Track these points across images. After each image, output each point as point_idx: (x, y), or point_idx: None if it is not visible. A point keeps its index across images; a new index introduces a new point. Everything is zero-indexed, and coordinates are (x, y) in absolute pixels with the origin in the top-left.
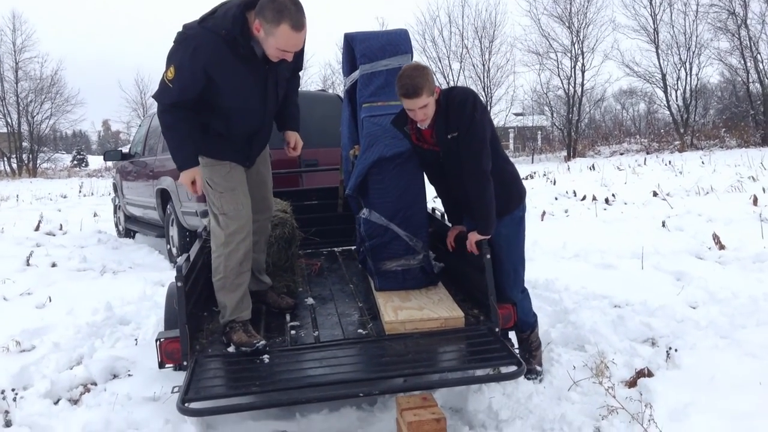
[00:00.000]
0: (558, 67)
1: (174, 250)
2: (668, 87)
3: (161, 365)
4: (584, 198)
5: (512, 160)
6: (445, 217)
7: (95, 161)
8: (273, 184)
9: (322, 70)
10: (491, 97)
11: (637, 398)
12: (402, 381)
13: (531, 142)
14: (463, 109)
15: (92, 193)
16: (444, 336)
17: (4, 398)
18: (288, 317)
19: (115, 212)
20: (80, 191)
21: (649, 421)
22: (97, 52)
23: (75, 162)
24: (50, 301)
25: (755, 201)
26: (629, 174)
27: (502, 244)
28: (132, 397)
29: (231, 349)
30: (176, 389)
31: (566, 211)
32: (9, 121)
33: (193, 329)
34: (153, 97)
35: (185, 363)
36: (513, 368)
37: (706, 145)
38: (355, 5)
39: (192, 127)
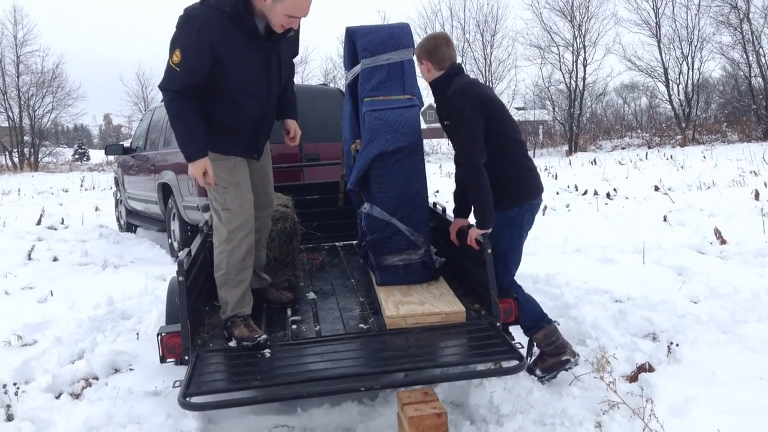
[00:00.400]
0: (560, 61)
1: (175, 245)
2: (670, 81)
3: (163, 360)
4: (585, 192)
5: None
6: (446, 211)
7: (97, 155)
8: (274, 179)
9: (323, 64)
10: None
11: (638, 393)
12: (403, 375)
13: (532, 136)
14: (452, 100)
15: (94, 188)
16: (445, 330)
17: (5, 392)
18: (289, 312)
19: (116, 206)
20: (82, 185)
21: (650, 416)
22: (98, 45)
23: (76, 156)
24: (52, 295)
25: (757, 195)
26: (631, 168)
27: (492, 237)
28: (133, 392)
29: (232, 343)
30: (177, 384)
31: (567, 206)
32: (11, 115)
33: (194, 324)
34: (160, 86)
35: (186, 357)
36: (514, 363)
37: (707, 139)
38: None
39: (199, 118)
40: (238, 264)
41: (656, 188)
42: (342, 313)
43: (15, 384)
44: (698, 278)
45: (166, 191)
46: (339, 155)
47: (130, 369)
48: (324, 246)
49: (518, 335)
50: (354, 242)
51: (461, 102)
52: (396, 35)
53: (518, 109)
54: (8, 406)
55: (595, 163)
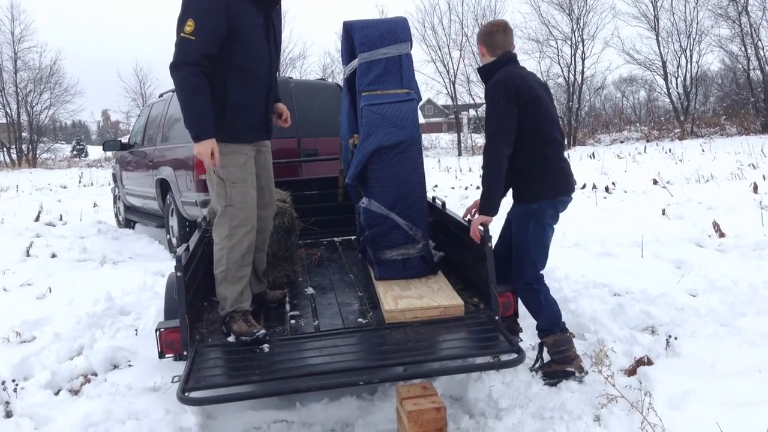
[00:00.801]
0: (558, 55)
1: (174, 240)
2: (668, 74)
3: (161, 355)
4: (584, 186)
5: None
6: (445, 205)
7: (95, 151)
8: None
9: (321, 58)
10: None
11: (636, 386)
12: (402, 369)
13: None
14: (490, 88)
15: (92, 184)
16: (444, 324)
17: (4, 389)
18: (288, 307)
19: (114, 202)
20: (80, 182)
21: (648, 409)
22: (95, 41)
23: (74, 152)
24: (50, 291)
25: (755, 188)
26: (629, 162)
27: (514, 231)
28: (132, 388)
29: (231, 338)
30: (176, 379)
31: None
32: (8, 111)
33: (192, 319)
34: (172, 63)
35: (185, 353)
36: (513, 356)
37: (706, 132)
38: None
39: (210, 98)
40: (239, 260)
41: (655, 182)
42: (341, 308)
43: (14, 380)
44: (697, 271)
45: (164, 187)
46: (337, 150)
47: (129, 365)
48: (323, 241)
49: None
50: (353, 237)
51: (497, 92)
52: (393, 29)
53: None
54: (7, 402)
55: (594, 157)
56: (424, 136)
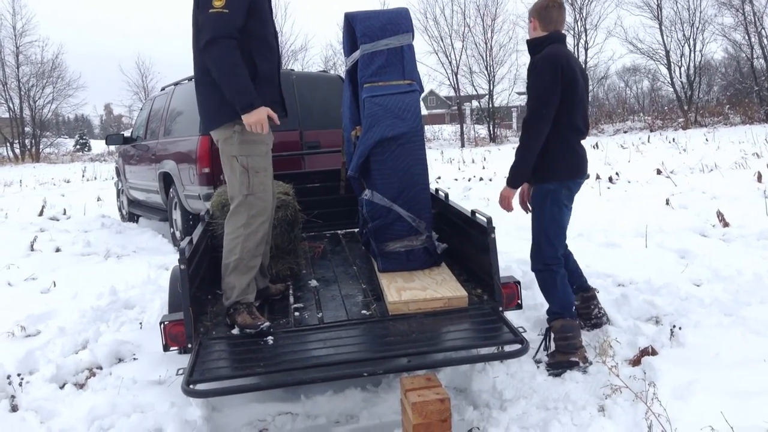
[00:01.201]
0: None
1: (177, 234)
2: (672, 64)
3: (166, 348)
4: (588, 177)
5: (515, 139)
6: (448, 197)
7: (98, 145)
8: (274, 167)
9: (323, 50)
10: (494, 76)
11: (640, 377)
12: (406, 360)
13: None
14: (537, 63)
15: (95, 178)
16: (447, 316)
17: (10, 383)
18: (292, 299)
19: (118, 196)
20: (83, 176)
21: (652, 399)
22: (97, 35)
23: (78, 146)
24: (55, 286)
25: (759, 178)
26: (633, 152)
27: (532, 211)
28: (137, 381)
29: (235, 331)
30: (181, 371)
31: None
32: (11, 106)
33: (197, 312)
34: (208, 40)
35: (189, 345)
36: (516, 346)
37: (710, 122)
38: None
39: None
40: (253, 250)
41: (658, 171)
42: (344, 300)
43: (19, 375)
44: (701, 261)
45: (167, 180)
46: (340, 142)
47: (134, 358)
48: (326, 234)
49: (521, 320)
50: (356, 230)
51: (545, 68)
52: (395, 20)
53: (520, 93)
54: (13, 396)
55: (597, 147)
56: (426, 127)
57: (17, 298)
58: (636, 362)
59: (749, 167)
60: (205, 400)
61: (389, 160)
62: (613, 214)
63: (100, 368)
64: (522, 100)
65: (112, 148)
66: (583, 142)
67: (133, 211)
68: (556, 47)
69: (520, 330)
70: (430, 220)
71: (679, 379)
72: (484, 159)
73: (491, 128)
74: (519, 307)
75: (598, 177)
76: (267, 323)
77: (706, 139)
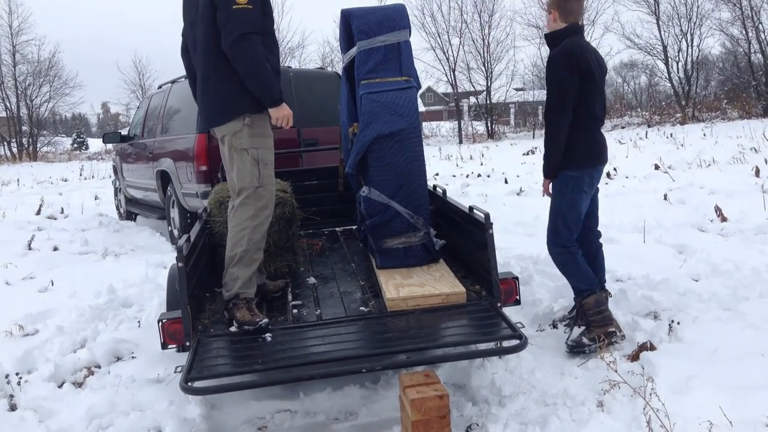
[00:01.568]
0: None
1: (175, 232)
2: (669, 59)
3: (164, 346)
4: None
5: (513, 135)
6: (446, 194)
7: (95, 144)
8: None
9: (320, 47)
10: (491, 73)
11: (639, 372)
12: (405, 357)
13: (532, 117)
14: (555, 57)
15: (93, 176)
16: (446, 312)
17: (8, 382)
18: (290, 296)
19: (115, 195)
20: (81, 174)
21: (651, 394)
22: (93, 33)
23: (75, 145)
24: (53, 284)
25: (757, 172)
26: (631, 147)
27: (552, 196)
28: (136, 379)
29: (233, 328)
30: (179, 369)
31: None
32: (8, 105)
33: (195, 309)
34: (238, 35)
35: (188, 343)
36: (515, 342)
37: (707, 117)
38: None
39: None
40: (258, 242)
41: (656, 167)
42: (342, 297)
43: (17, 374)
44: (699, 256)
45: (164, 179)
46: (337, 140)
47: (132, 357)
48: (324, 231)
49: (519, 315)
50: (354, 227)
51: (561, 62)
52: (392, 17)
53: (517, 90)
54: (11, 396)
55: None
56: (424, 124)
57: (15, 297)
58: (634, 357)
59: (747, 162)
60: (204, 398)
61: (387, 156)
62: (611, 209)
63: (99, 367)
64: (519, 96)
65: (110, 146)
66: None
67: (131, 209)
68: (573, 40)
69: (519, 325)
70: (428, 216)
71: (678, 374)
72: (482, 155)
73: (489, 125)
74: (517, 302)
75: None
76: (265, 320)
77: (704, 134)
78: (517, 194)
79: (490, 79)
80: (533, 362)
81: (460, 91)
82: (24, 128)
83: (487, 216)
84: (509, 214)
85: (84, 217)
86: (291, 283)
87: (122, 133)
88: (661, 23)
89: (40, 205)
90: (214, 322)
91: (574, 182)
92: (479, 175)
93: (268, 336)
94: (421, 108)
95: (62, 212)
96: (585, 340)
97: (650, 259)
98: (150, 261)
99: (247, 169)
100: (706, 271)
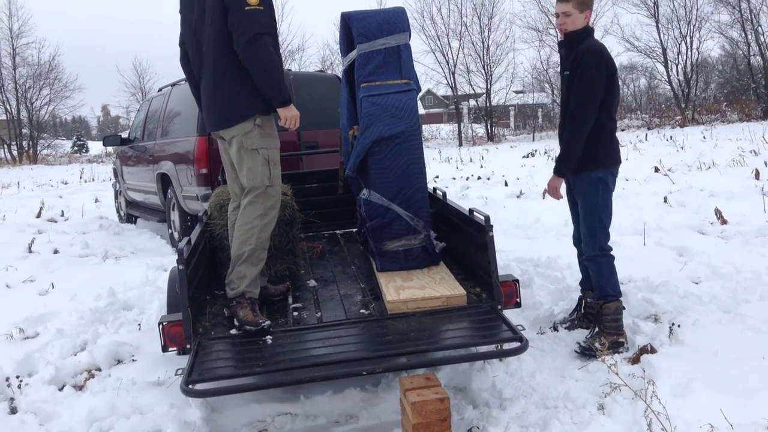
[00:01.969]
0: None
1: (176, 235)
2: (669, 61)
3: (164, 349)
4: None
5: (512, 138)
6: (446, 196)
7: (95, 147)
8: None
9: (320, 50)
10: (491, 75)
11: (640, 375)
12: (405, 359)
13: (532, 119)
14: (584, 56)
15: (93, 179)
16: (446, 314)
17: (9, 385)
18: (290, 299)
19: (116, 198)
20: (81, 177)
21: (651, 397)
22: (94, 36)
23: (75, 148)
24: (53, 287)
25: (757, 175)
26: (630, 150)
27: (582, 201)
28: (136, 382)
29: (234, 331)
30: (180, 371)
31: None
32: (8, 107)
33: (195, 312)
34: (252, 35)
35: (188, 346)
36: (515, 344)
37: (707, 119)
38: None
39: None
40: (265, 241)
41: (656, 169)
42: (343, 300)
43: (18, 377)
44: (699, 259)
45: (165, 181)
46: (337, 142)
47: (133, 360)
48: (324, 234)
49: (520, 318)
50: (354, 230)
51: (593, 61)
52: (392, 20)
53: (517, 92)
54: (11, 399)
55: None
56: (424, 126)
57: (15, 300)
58: (635, 360)
59: (747, 164)
60: (205, 401)
61: (387, 159)
62: None
63: (99, 370)
64: (519, 99)
65: (110, 149)
66: None
67: (131, 212)
68: (596, 40)
69: (519, 328)
70: (428, 219)
71: (678, 376)
72: (482, 158)
73: (489, 127)
74: (518, 305)
75: None
76: (267, 322)
77: (704, 137)
78: (518, 197)
79: (490, 81)
80: (534, 365)
81: (459, 93)
82: (24, 131)
83: (487, 218)
84: (509, 217)
85: (84, 219)
86: (291, 285)
87: (122, 136)
88: (660, 26)
89: (41, 208)
90: (214, 324)
91: (603, 183)
92: (479, 178)
93: (268, 338)
94: (421, 111)
95: (62, 215)
96: (597, 345)
97: (650, 261)
98: (150, 264)
99: (258, 169)
100: (707, 273)
